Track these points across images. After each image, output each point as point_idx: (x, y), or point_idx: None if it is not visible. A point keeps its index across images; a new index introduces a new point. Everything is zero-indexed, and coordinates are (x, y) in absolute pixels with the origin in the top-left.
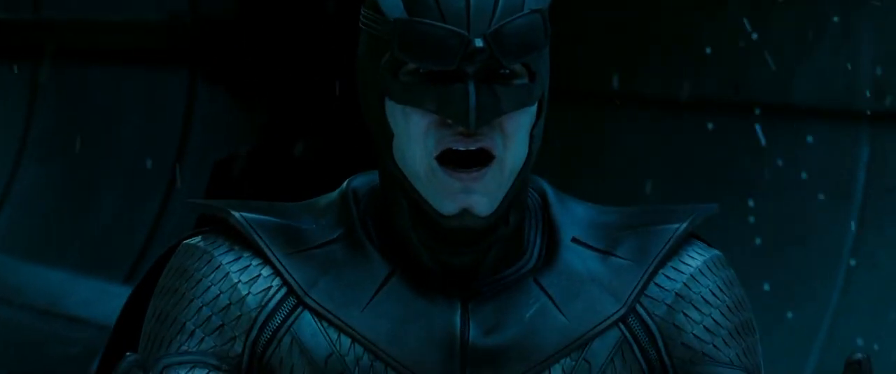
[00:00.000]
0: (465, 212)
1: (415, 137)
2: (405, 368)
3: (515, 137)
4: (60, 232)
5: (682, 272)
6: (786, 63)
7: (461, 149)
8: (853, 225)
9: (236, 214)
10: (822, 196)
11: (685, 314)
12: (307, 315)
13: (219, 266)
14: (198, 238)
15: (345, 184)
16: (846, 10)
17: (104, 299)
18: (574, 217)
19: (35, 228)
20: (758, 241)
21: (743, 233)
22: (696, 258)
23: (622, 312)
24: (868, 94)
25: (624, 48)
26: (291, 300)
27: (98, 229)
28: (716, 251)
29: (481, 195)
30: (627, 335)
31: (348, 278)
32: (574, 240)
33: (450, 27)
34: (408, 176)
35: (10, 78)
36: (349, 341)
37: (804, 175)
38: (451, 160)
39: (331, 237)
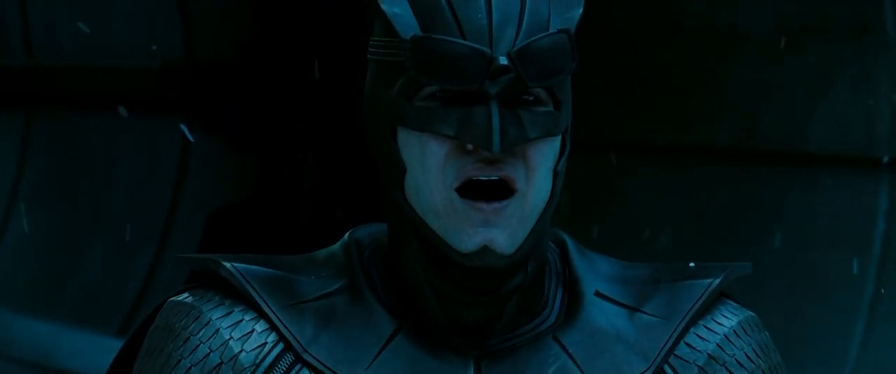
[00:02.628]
0: (486, 249)
1: (431, 168)
2: None
3: (539, 170)
4: (52, 283)
5: (715, 333)
6: (801, 109)
7: (483, 178)
8: (872, 276)
9: (228, 264)
10: (839, 246)
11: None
12: (306, 373)
13: (208, 323)
14: (185, 294)
15: (347, 236)
16: (863, 54)
17: (96, 352)
18: (597, 271)
19: (26, 278)
20: (773, 292)
21: (757, 284)
22: (729, 318)
23: (649, 373)
24: (887, 141)
25: (633, 95)
26: (289, 357)
27: (90, 279)
28: (750, 312)
29: (502, 230)
30: None
31: (351, 333)
32: (598, 294)
33: (471, 44)
34: (422, 213)
35: (2, 124)
36: None
37: (821, 225)
38: (470, 194)
39: (331, 289)
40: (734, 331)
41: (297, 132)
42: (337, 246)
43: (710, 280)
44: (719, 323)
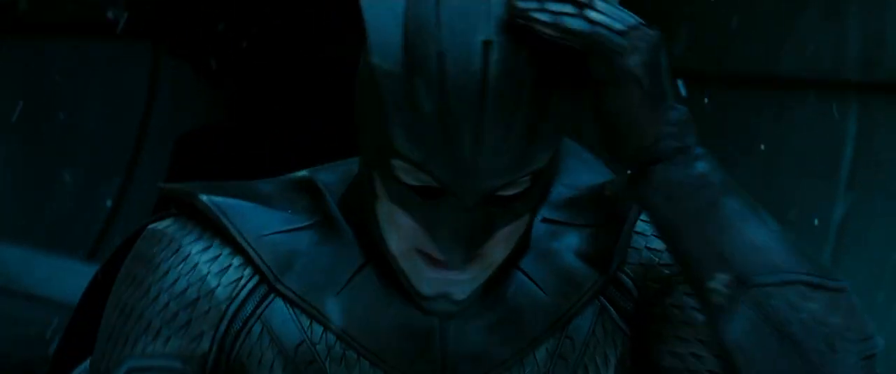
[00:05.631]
0: (443, 296)
1: (397, 228)
2: (378, 358)
3: (509, 237)
4: (19, 210)
5: (646, 220)
6: (772, 34)
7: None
8: (840, 202)
9: (204, 197)
10: (808, 170)
11: (649, 248)
12: (279, 302)
13: (187, 256)
14: (166, 223)
15: (310, 177)
16: None
17: (64, 277)
18: (551, 201)
19: None
20: None
21: None
22: None
23: (602, 281)
24: (857, 65)
25: None
26: (263, 288)
27: (59, 205)
28: None
29: (462, 285)
30: (604, 302)
31: (323, 263)
32: (544, 220)
33: (450, 180)
34: (385, 242)
35: None
36: (321, 329)
37: (790, 148)
38: (432, 258)
39: (305, 223)
40: None
41: (268, 59)
42: (305, 182)
43: None
44: None
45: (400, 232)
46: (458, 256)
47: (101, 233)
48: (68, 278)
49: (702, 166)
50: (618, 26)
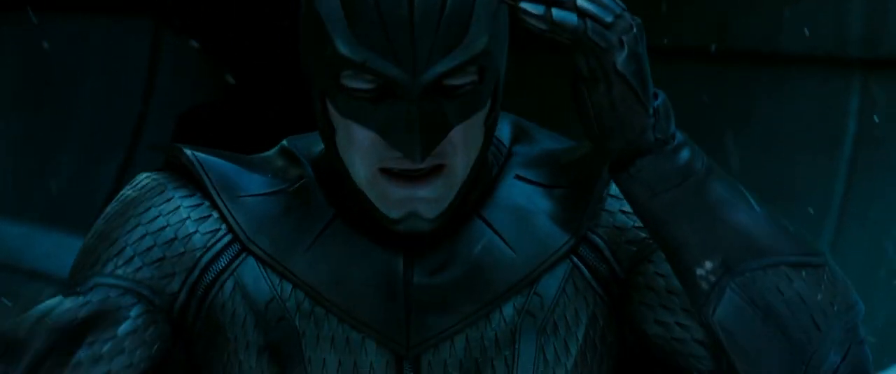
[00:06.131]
0: (412, 215)
1: (356, 148)
2: (346, 313)
3: (466, 141)
4: (21, 187)
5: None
6: (772, 9)
7: (407, 168)
8: (842, 177)
9: (188, 152)
10: (810, 147)
11: (623, 212)
12: (251, 260)
13: (170, 199)
14: (159, 173)
15: (286, 143)
16: None
17: (66, 253)
18: (524, 158)
19: None
20: None
21: None
22: None
23: (572, 242)
24: (859, 41)
25: None
26: (236, 246)
27: (61, 181)
28: None
29: (429, 202)
30: (576, 261)
31: (293, 222)
32: (517, 177)
33: (394, 72)
34: (351, 172)
35: None
36: (291, 286)
37: (792, 125)
38: (395, 172)
39: (283, 186)
40: None
41: (269, 35)
42: (285, 149)
43: None
44: None
45: (360, 152)
46: (416, 150)
47: (103, 210)
48: (69, 255)
49: (685, 155)
50: (606, 19)
